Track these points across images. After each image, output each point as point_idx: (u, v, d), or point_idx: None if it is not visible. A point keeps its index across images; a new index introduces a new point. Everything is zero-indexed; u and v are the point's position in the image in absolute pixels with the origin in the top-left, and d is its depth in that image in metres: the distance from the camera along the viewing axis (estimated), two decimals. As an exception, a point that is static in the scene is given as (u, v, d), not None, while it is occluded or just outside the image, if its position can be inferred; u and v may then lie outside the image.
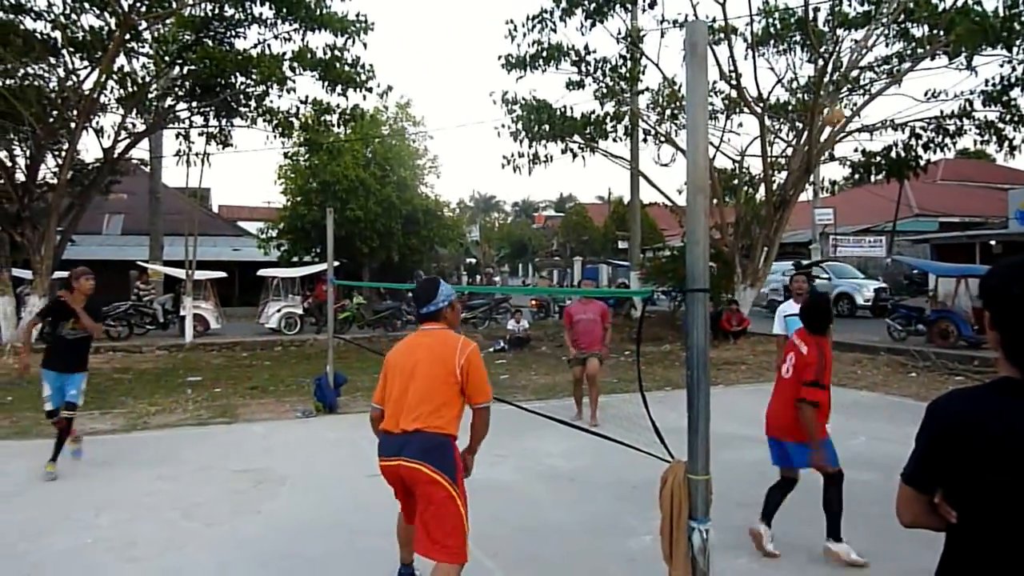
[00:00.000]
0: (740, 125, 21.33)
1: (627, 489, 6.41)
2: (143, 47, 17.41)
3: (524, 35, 17.99)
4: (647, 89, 19.84)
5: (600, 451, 6.51)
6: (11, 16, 15.43)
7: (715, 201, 18.43)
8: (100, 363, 15.42)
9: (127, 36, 15.98)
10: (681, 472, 3.01)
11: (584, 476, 7.03)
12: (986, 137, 16.92)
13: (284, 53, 17.27)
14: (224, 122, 18.73)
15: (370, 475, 7.14)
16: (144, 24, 16.52)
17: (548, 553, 5.10)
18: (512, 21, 17.96)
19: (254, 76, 17.08)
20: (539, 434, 8.42)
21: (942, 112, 16.95)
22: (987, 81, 16.37)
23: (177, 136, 19.06)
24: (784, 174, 18.55)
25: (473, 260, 48.50)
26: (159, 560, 5.06)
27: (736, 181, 20.05)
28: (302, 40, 17.39)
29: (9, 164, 16.94)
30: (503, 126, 18.53)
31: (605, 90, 18.89)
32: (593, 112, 18.46)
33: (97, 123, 17.77)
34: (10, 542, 5.39)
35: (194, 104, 18.13)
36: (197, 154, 19.21)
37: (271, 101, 18.12)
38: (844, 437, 8.46)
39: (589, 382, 9.63)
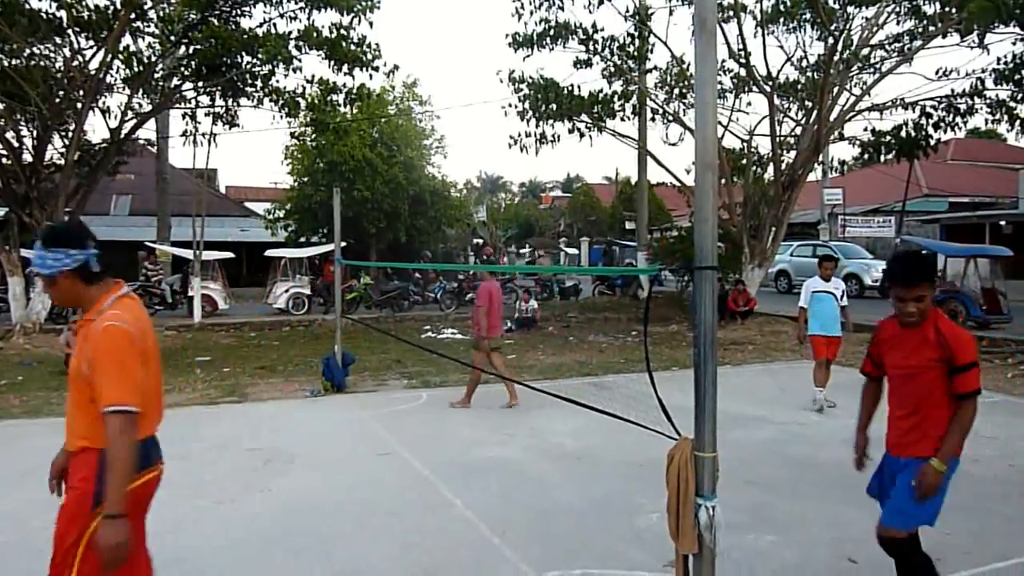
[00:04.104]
0: (749, 104, 21.30)
1: (634, 467, 6.44)
2: (148, 26, 17.33)
3: (531, 13, 17.89)
4: (655, 68, 19.74)
5: (607, 430, 6.54)
6: (16, -5, 15.37)
7: (723, 181, 18.34)
8: (109, 343, 15.50)
9: (132, 15, 15.91)
10: (688, 449, 3.01)
11: (592, 455, 7.06)
12: (997, 116, 16.75)
13: (290, 32, 17.15)
14: (230, 102, 18.66)
15: (379, 453, 7.21)
16: (149, 3, 16.45)
17: (556, 531, 5.13)
18: (519, -1, 17.83)
19: (260, 55, 16.99)
20: (547, 413, 8.46)
21: (953, 91, 16.82)
22: (999, 59, 16.16)
23: (183, 116, 19.04)
24: (793, 154, 18.43)
25: (480, 241, 48.42)
26: (170, 537, 5.10)
27: (744, 161, 19.92)
28: (308, 19, 17.27)
29: (16, 145, 16.94)
30: (510, 105, 18.47)
31: (613, 69, 18.74)
32: (601, 91, 18.35)
33: (103, 103, 17.74)
34: (24, 519, 5.45)
35: (200, 84, 18.05)
36: (204, 134, 19.16)
37: (277, 81, 18.06)
38: (851, 417, 8.48)
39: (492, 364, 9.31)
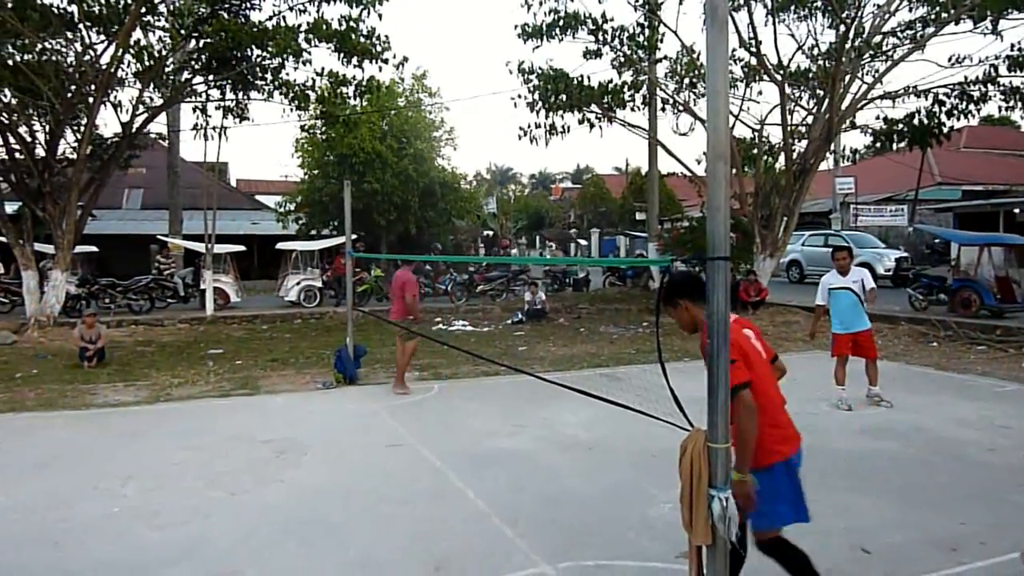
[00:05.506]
0: (760, 93, 21.15)
1: (646, 458, 6.44)
2: (159, 20, 17.34)
3: (540, 3, 17.81)
4: (665, 57, 19.61)
5: (619, 421, 6.52)
6: (28, -10, 15.42)
7: (734, 171, 18.25)
8: (122, 336, 15.61)
9: (143, 9, 15.93)
10: (701, 440, 3.01)
11: (603, 445, 7.06)
12: (1011, 103, 16.57)
13: (299, 25, 17.14)
14: (241, 95, 18.67)
15: (389, 444, 7.24)
16: (159, -3, 16.47)
17: (568, 521, 5.14)
18: (529, -11, 17.75)
19: (270, 48, 16.99)
20: (558, 404, 8.47)
21: (966, 78, 16.65)
22: (1013, 46, 16.00)
23: (194, 110, 19.05)
24: (804, 143, 18.31)
25: (490, 232, 48.40)
26: (184, 528, 5.15)
27: (756, 150, 19.82)
28: (317, 11, 17.26)
29: (29, 139, 17.03)
30: (520, 96, 18.39)
31: (623, 59, 18.66)
32: (611, 81, 18.25)
33: (115, 98, 17.80)
34: (40, 510, 5.51)
35: (211, 77, 18.07)
36: (214, 128, 19.19)
37: (287, 74, 18.05)
38: (865, 406, 8.46)
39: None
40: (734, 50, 18.24)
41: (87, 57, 16.57)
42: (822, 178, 25.03)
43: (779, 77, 17.50)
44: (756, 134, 19.73)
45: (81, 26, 16.17)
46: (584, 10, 17.80)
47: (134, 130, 17.81)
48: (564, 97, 17.93)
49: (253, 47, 17.18)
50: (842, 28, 16.41)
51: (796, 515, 3.57)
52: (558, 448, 7.03)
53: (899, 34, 17.59)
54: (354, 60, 17.50)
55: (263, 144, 77.41)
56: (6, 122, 16.25)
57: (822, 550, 4.61)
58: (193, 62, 17.89)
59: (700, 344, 3.39)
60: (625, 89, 18.30)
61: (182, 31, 16.95)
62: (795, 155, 18.12)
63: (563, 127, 18.65)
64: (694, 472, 3.05)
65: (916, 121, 17.03)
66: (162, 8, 17.02)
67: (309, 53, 17.44)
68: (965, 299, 14.86)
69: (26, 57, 15.94)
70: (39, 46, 16.00)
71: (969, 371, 10.77)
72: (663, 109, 20.60)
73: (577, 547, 4.69)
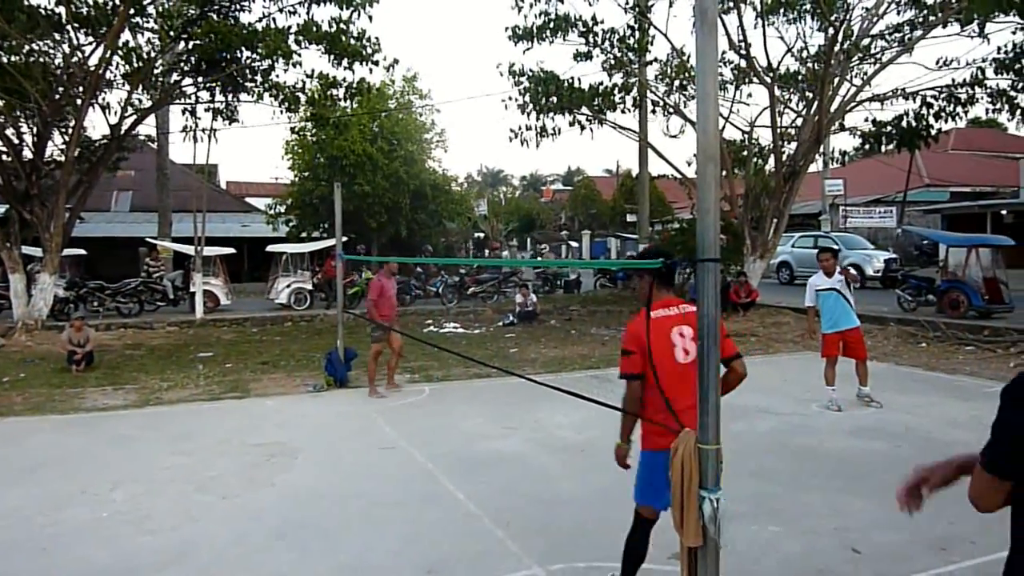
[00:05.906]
0: (749, 96, 21.22)
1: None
2: (148, 22, 17.27)
3: (531, 6, 17.82)
4: (655, 60, 19.66)
5: (610, 422, 6.51)
6: (15, -8, 15.32)
7: (724, 173, 18.30)
8: (111, 340, 15.53)
9: (131, 11, 15.86)
10: (692, 442, 3.01)
11: (594, 447, 7.05)
12: (998, 106, 16.68)
13: (289, 27, 17.11)
14: (230, 97, 18.61)
15: (382, 448, 7.23)
16: (148, -1, 16.40)
17: (559, 523, 5.14)
18: (519, -9, 17.77)
19: (259, 50, 16.95)
20: (549, 406, 8.47)
21: (954, 80, 16.72)
22: (1000, 48, 16.12)
23: (183, 112, 18.98)
24: (794, 145, 18.38)
25: (481, 235, 48.39)
26: (175, 532, 5.12)
27: (745, 152, 19.89)
28: (307, 13, 17.23)
29: (16, 142, 16.92)
30: (510, 99, 18.41)
31: (613, 61, 18.71)
32: (601, 83, 18.30)
33: (103, 99, 17.70)
34: (28, 515, 5.47)
35: (200, 79, 18.01)
36: (204, 130, 19.10)
37: (277, 76, 18.01)
38: (855, 406, 8.50)
39: (399, 351, 10.37)
40: (724, 53, 18.31)
41: (75, 59, 16.49)
42: (811, 180, 25.14)
43: (769, 80, 17.56)
44: (746, 136, 19.80)
45: (69, 27, 16.09)
46: (574, 12, 17.91)
47: (123, 132, 17.73)
48: (555, 99, 17.97)
49: (243, 49, 17.14)
50: (831, 31, 16.49)
51: (656, 501, 3.86)
52: (549, 450, 7.03)
53: (887, 37, 17.70)
54: (344, 62, 17.48)
55: (253, 146, 77.25)
56: (-7, 124, 16.16)
57: (813, 550, 4.63)
58: (182, 64, 17.82)
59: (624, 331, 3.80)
60: (615, 91, 18.34)
61: (171, 33, 16.89)
62: (785, 157, 18.18)
63: (554, 129, 18.70)
64: (685, 474, 3.05)
65: (904, 123, 17.13)
66: (151, 9, 16.96)
67: (299, 55, 17.41)
68: (953, 300, 14.94)
69: (13, 59, 15.84)
70: (26, 47, 15.90)
71: (958, 371, 10.83)
72: (653, 111, 20.67)
73: (569, 549, 4.69)
